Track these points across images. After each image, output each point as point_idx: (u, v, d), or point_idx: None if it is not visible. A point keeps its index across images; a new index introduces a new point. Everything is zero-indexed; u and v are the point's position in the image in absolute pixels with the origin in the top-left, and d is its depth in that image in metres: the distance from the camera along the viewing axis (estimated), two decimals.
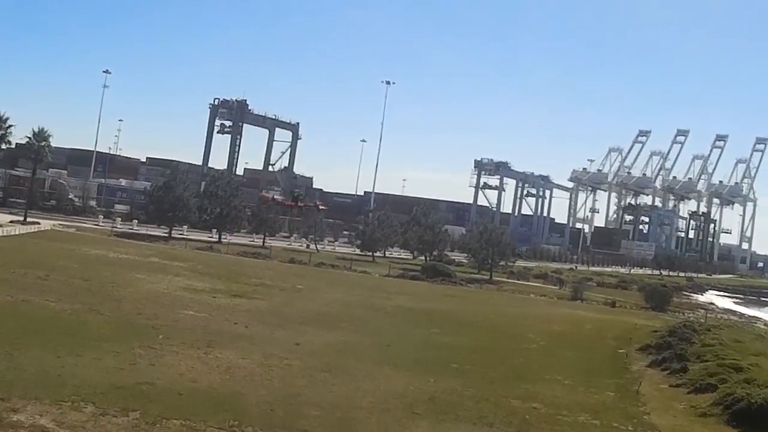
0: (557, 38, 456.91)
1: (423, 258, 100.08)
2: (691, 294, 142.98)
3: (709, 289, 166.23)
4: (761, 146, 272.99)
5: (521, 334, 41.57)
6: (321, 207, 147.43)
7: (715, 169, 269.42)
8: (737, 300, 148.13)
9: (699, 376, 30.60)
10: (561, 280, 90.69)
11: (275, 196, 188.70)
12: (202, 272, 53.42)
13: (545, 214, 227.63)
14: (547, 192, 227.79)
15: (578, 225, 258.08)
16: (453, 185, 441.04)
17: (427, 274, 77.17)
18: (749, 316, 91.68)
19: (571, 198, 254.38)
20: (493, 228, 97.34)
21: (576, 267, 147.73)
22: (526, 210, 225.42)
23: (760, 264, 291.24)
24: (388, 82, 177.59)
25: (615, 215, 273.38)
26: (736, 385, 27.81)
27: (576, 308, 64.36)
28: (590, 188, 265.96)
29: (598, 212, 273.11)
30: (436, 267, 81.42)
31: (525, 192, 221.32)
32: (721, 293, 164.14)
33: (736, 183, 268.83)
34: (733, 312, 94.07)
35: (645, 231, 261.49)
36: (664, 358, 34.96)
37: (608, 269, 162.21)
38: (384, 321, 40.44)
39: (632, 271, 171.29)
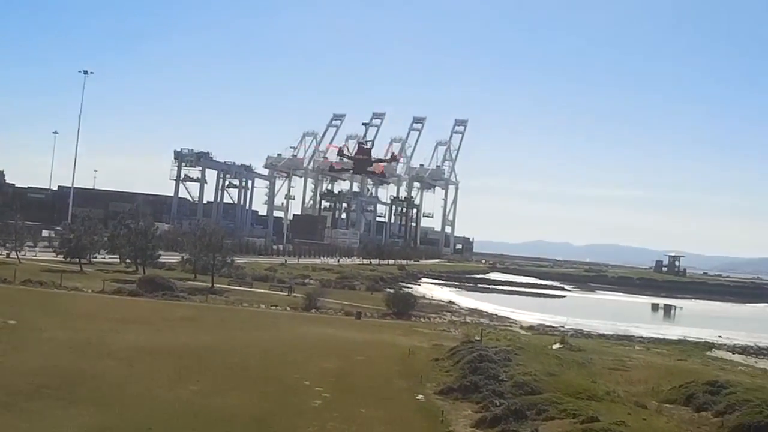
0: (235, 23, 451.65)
1: (131, 263, 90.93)
2: (410, 284, 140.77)
3: (422, 277, 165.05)
4: (460, 128, 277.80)
5: (294, 380, 34.56)
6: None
7: (413, 151, 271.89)
8: (454, 288, 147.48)
9: None
10: (290, 287, 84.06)
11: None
12: None
13: (248, 205, 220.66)
14: (250, 182, 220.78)
15: (276, 213, 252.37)
16: (150, 173, 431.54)
17: (146, 289, 68.69)
18: (498, 316, 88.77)
19: (271, 186, 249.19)
20: (213, 231, 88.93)
21: (286, 261, 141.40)
22: (228, 201, 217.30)
23: (459, 246, 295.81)
24: (85, 72, 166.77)
25: (311, 201, 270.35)
26: None
27: (323, 324, 58.46)
28: (286, 175, 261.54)
29: (294, 199, 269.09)
30: (154, 280, 72.78)
31: (227, 183, 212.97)
32: (435, 281, 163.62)
33: (438, 166, 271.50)
34: (480, 312, 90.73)
35: (344, 217, 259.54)
36: (496, 417, 28.60)
37: (317, 261, 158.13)
38: (129, 377, 32.35)
39: (341, 261, 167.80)
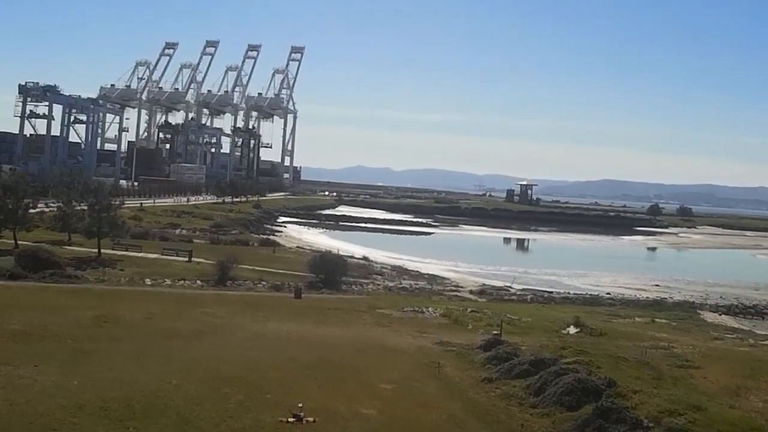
0: None
1: None
2: (277, 227, 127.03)
3: (278, 215, 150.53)
4: (297, 55, 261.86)
5: None
6: None
7: (249, 80, 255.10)
8: (317, 228, 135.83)
9: None
10: (189, 252, 67.34)
11: None
12: None
13: (94, 142, 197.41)
14: (96, 117, 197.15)
15: (108, 147, 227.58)
16: None
17: (30, 268, 52.05)
18: (429, 275, 75.27)
19: (121, 120, 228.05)
20: (98, 188, 71.19)
21: (142, 205, 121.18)
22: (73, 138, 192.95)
23: (288, 176, 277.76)
24: None
25: (146, 134, 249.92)
26: None
27: (272, 314, 44.10)
28: (119, 106, 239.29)
29: (127, 131, 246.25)
30: (38, 256, 55.10)
31: (73, 119, 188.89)
32: (293, 219, 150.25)
33: (276, 94, 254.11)
34: (406, 271, 77.01)
35: (183, 150, 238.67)
36: None
37: (170, 201, 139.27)
38: None
39: (193, 200, 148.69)
